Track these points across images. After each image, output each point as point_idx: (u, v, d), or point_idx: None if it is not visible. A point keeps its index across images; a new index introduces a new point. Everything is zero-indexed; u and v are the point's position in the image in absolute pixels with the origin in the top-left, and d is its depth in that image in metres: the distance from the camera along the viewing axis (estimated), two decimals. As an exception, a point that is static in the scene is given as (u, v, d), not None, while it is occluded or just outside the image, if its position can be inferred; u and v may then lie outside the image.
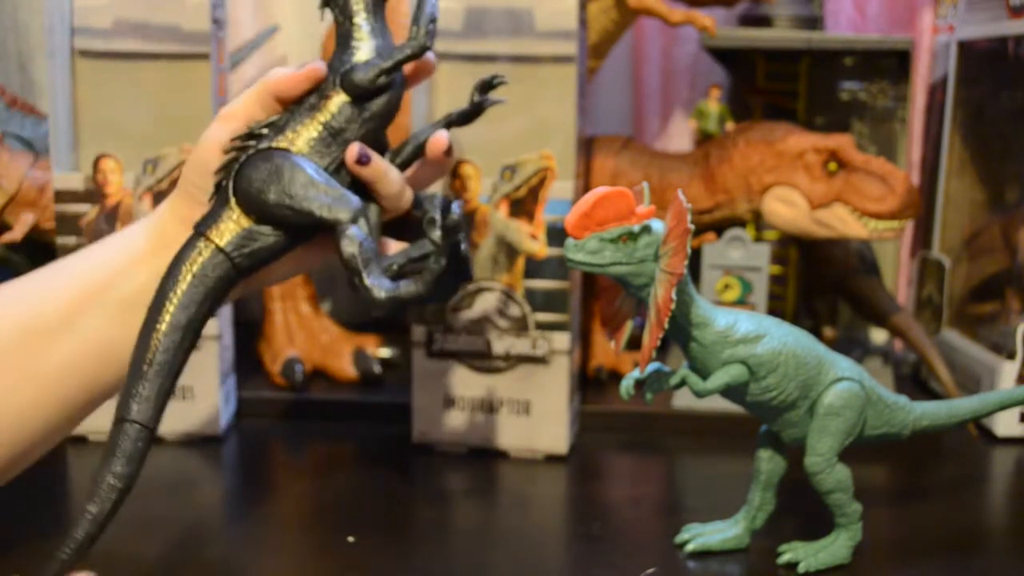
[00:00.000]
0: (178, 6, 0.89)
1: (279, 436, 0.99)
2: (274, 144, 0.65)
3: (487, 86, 0.69)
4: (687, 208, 0.62)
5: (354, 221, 0.62)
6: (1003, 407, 0.77)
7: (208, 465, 0.92)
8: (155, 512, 0.80)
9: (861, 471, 0.72)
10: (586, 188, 0.97)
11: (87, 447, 0.93)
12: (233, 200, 0.64)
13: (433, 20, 0.66)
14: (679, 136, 1.30)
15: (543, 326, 0.91)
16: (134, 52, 0.90)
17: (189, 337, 0.63)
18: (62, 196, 0.92)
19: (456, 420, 0.93)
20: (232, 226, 0.64)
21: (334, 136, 0.65)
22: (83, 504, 0.60)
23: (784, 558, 0.72)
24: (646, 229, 0.65)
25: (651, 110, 1.30)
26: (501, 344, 0.92)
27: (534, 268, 0.91)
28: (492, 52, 0.89)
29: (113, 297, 0.64)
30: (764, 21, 1.12)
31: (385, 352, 1.11)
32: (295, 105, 0.66)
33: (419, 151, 0.69)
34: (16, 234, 1.01)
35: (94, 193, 0.91)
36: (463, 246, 0.69)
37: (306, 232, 0.65)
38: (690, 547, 0.74)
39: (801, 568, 0.71)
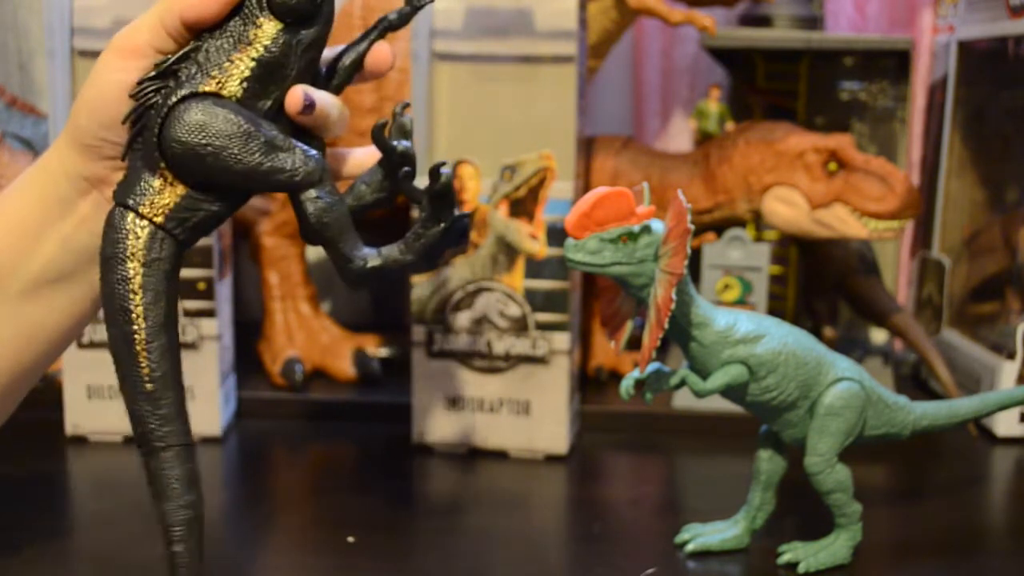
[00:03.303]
0: (178, 6, 0.89)
1: (279, 436, 0.99)
2: (200, 87, 0.53)
3: None
4: (687, 208, 0.62)
5: (320, 182, 0.54)
6: (1003, 407, 0.77)
7: (208, 465, 0.92)
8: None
9: (861, 471, 0.72)
10: (586, 188, 0.97)
11: (87, 447, 0.93)
12: (163, 164, 0.53)
13: None
14: (679, 136, 1.30)
15: (543, 326, 0.91)
16: (134, 52, 0.89)
17: (172, 329, 0.54)
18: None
19: (456, 420, 0.93)
20: (168, 198, 0.54)
21: (271, 74, 0.54)
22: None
23: (784, 558, 0.72)
24: (646, 229, 0.65)
25: (651, 110, 1.30)
26: (501, 344, 0.92)
27: (534, 268, 0.91)
28: (492, 52, 0.89)
29: (16, 282, 0.57)
30: (764, 21, 1.12)
31: (385, 352, 1.11)
32: (208, 32, 0.54)
33: (356, 67, 0.59)
34: (16, 234, 1.01)
35: (94, 193, 0.91)
36: (463, 213, 0.57)
37: (252, 193, 0.57)
38: (690, 547, 0.74)
39: (801, 568, 0.71)
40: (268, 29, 0.54)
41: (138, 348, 0.53)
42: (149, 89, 0.53)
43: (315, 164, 0.54)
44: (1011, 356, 0.98)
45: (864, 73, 1.19)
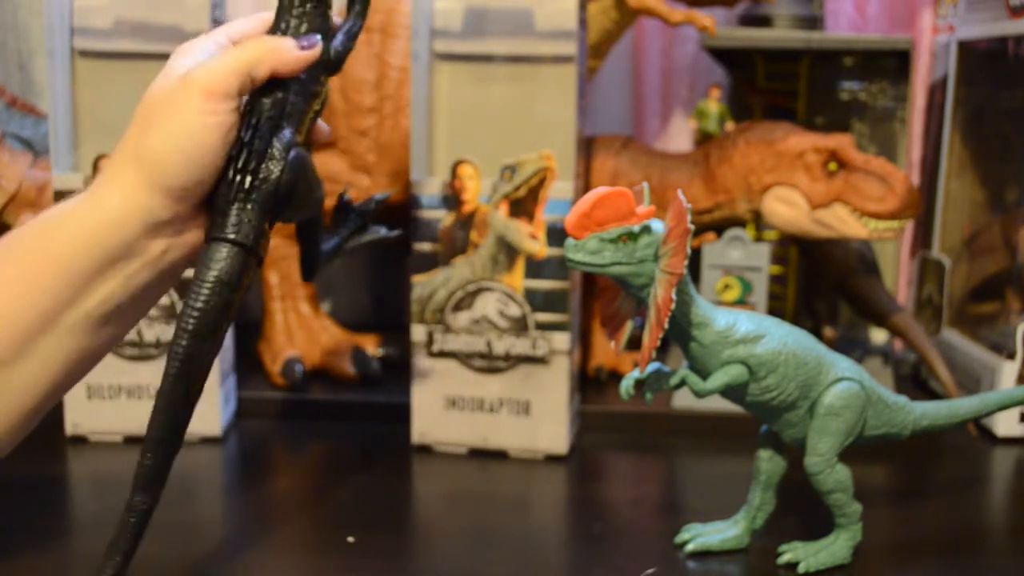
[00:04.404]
0: (178, 6, 0.89)
1: (279, 436, 0.99)
2: (296, 138, 0.60)
3: None
4: (687, 208, 0.62)
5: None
6: (1003, 407, 0.77)
7: (208, 465, 0.92)
8: (155, 512, 0.80)
9: (861, 471, 0.72)
10: (586, 188, 0.97)
11: (87, 447, 0.93)
12: (269, 208, 0.60)
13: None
14: (679, 136, 1.30)
15: (543, 326, 0.91)
16: (134, 52, 0.90)
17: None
18: (62, 196, 0.91)
19: (456, 420, 0.93)
20: (269, 238, 0.61)
21: (317, 119, 0.63)
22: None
23: (784, 558, 0.72)
24: (646, 229, 0.65)
25: (651, 110, 1.30)
26: (501, 344, 0.92)
27: (534, 268, 0.91)
28: (492, 52, 0.89)
29: (72, 319, 0.57)
30: (764, 21, 1.12)
31: (385, 352, 1.11)
32: (284, 83, 0.60)
33: None
34: (16, 234, 1.01)
35: (94, 193, 0.91)
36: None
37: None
38: (690, 547, 0.74)
39: (801, 568, 0.71)
40: (327, 85, 0.62)
41: (207, 364, 0.58)
42: (264, 139, 0.59)
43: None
44: (1011, 356, 0.98)
45: (864, 73, 1.19)
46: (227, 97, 0.57)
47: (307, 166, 0.60)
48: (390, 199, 0.72)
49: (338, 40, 0.62)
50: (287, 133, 0.59)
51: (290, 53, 0.59)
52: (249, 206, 0.59)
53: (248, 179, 0.58)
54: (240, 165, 0.58)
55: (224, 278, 0.58)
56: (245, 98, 0.59)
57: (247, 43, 0.59)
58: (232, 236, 0.58)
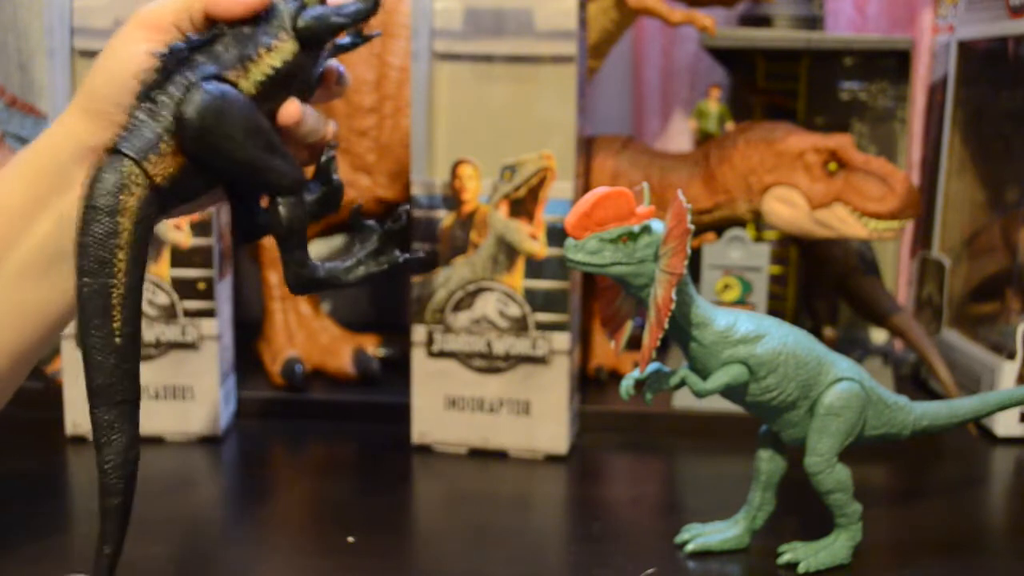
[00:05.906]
0: (178, 6, 0.89)
1: (279, 436, 0.99)
2: (224, 73, 0.56)
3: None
4: (687, 208, 0.62)
5: (299, 191, 0.58)
6: (1003, 407, 0.77)
7: (208, 465, 0.92)
8: (155, 512, 0.80)
9: (861, 471, 0.72)
10: (586, 188, 0.97)
11: (87, 447, 0.93)
12: (174, 131, 0.55)
13: None
14: (679, 136, 1.30)
15: (543, 326, 0.91)
16: (134, 52, 0.89)
17: (141, 292, 0.56)
18: (62, 196, 0.91)
19: (456, 420, 0.93)
20: (171, 164, 0.55)
21: (280, 84, 0.57)
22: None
23: (784, 558, 0.72)
24: (646, 229, 0.65)
25: (651, 110, 1.30)
26: (501, 344, 0.92)
27: (534, 268, 0.91)
28: (492, 52, 0.89)
29: (12, 260, 0.57)
30: (764, 21, 1.12)
31: (385, 352, 1.11)
32: (230, 27, 0.57)
33: (318, 82, 0.62)
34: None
35: (94, 193, 0.91)
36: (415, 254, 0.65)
37: (225, 183, 0.59)
38: (690, 547, 0.74)
39: (801, 568, 0.71)
40: (289, 45, 0.57)
41: (114, 302, 0.54)
42: (175, 59, 0.55)
43: (300, 174, 0.58)
44: (1011, 356, 0.98)
45: (864, 73, 1.19)
46: (159, 30, 0.57)
47: (230, 104, 0.55)
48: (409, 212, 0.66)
49: (317, 10, 0.58)
50: (211, 67, 0.55)
51: (230, 1, 0.57)
52: (147, 118, 0.55)
53: (154, 92, 0.55)
54: (151, 82, 0.55)
55: (95, 200, 0.54)
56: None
57: None
58: (123, 146, 0.54)
